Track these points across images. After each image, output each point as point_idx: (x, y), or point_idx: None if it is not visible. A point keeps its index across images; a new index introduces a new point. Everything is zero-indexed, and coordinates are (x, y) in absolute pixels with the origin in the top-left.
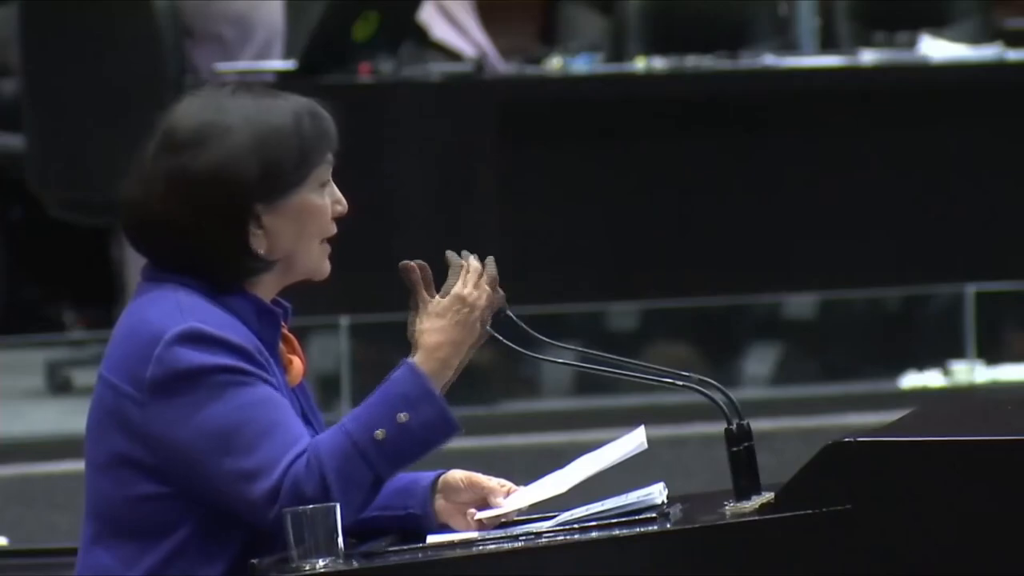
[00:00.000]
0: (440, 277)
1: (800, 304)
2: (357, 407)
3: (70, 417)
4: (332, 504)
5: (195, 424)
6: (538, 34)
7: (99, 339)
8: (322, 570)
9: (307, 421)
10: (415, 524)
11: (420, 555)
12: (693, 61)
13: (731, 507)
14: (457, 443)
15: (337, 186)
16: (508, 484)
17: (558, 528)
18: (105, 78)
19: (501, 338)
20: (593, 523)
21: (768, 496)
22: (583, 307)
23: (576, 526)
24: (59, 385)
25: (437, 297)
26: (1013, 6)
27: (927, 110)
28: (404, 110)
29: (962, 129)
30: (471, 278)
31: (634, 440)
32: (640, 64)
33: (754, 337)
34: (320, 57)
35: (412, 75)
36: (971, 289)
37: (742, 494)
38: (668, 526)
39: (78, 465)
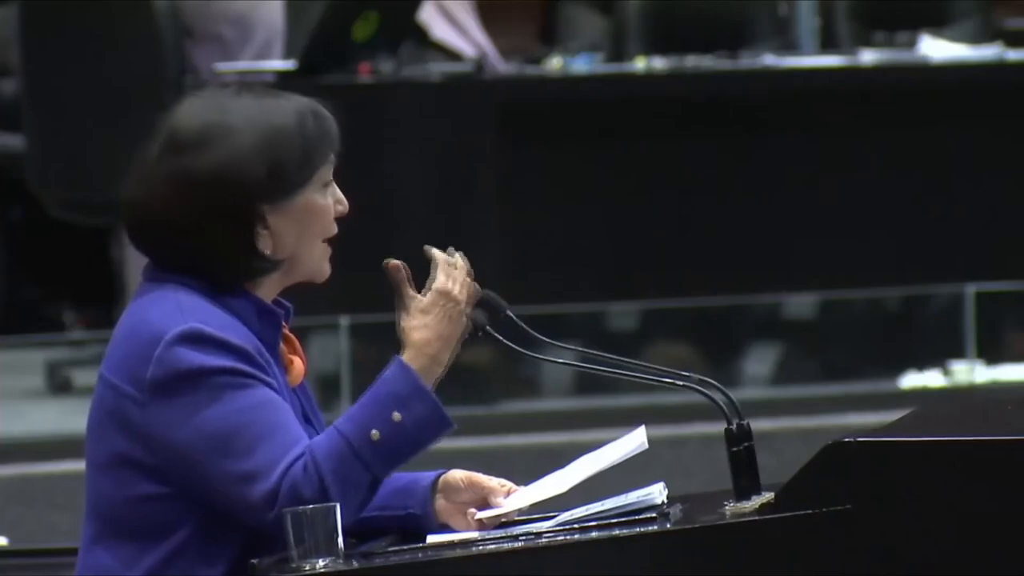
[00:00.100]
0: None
1: (800, 304)
2: (350, 407)
3: (70, 417)
4: (332, 504)
5: (195, 425)
6: (538, 34)
7: (99, 339)
8: (322, 570)
9: (308, 421)
10: (415, 524)
11: (420, 555)
12: (693, 61)
13: (731, 507)
14: (457, 443)
15: (337, 186)
16: (508, 484)
17: (558, 528)
18: (105, 78)
19: (501, 338)
20: (593, 523)
21: (768, 496)
22: (583, 307)
23: (576, 526)
24: (59, 385)
25: (420, 294)
26: (1013, 6)
27: (927, 110)
28: (404, 110)
29: (962, 129)
30: (450, 272)
31: (634, 440)
32: (640, 64)
33: (754, 337)
34: (320, 57)
35: (412, 75)
36: (971, 289)
37: (742, 494)
38: (668, 526)
39: (78, 465)
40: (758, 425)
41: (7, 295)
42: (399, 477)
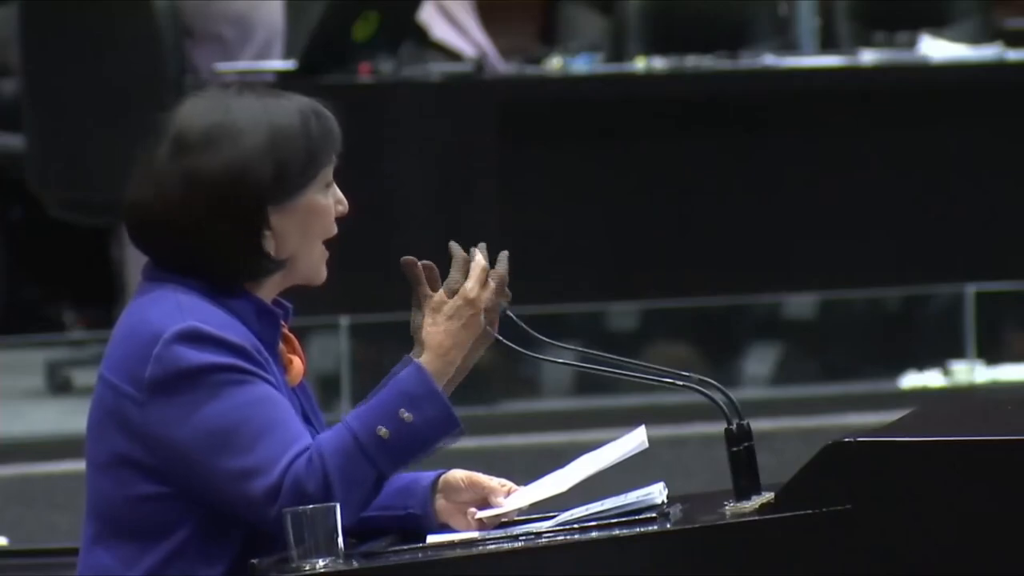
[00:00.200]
0: (444, 271)
1: (800, 304)
2: (361, 405)
3: (70, 417)
4: (332, 504)
5: (194, 423)
6: (538, 34)
7: (99, 339)
8: (322, 570)
9: (308, 421)
10: (415, 524)
11: (420, 555)
12: (693, 61)
13: (731, 507)
14: (457, 443)
15: (337, 186)
16: (508, 484)
17: (558, 528)
18: (105, 78)
19: (501, 338)
20: (593, 523)
21: (768, 496)
22: (583, 307)
23: (576, 526)
24: (59, 385)
25: (440, 293)
26: (1013, 6)
27: (927, 110)
28: (404, 110)
29: (962, 129)
30: (479, 276)
31: (634, 440)
32: (640, 64)
33: (754, 337)
34: (320, 57)
35: (412, 75)
36: (971, 289)
37: (742, 494)
38: (668, 526)
39: (78, 465)
40: (758, 425)
41: (7, 295)
42: (399, 477)
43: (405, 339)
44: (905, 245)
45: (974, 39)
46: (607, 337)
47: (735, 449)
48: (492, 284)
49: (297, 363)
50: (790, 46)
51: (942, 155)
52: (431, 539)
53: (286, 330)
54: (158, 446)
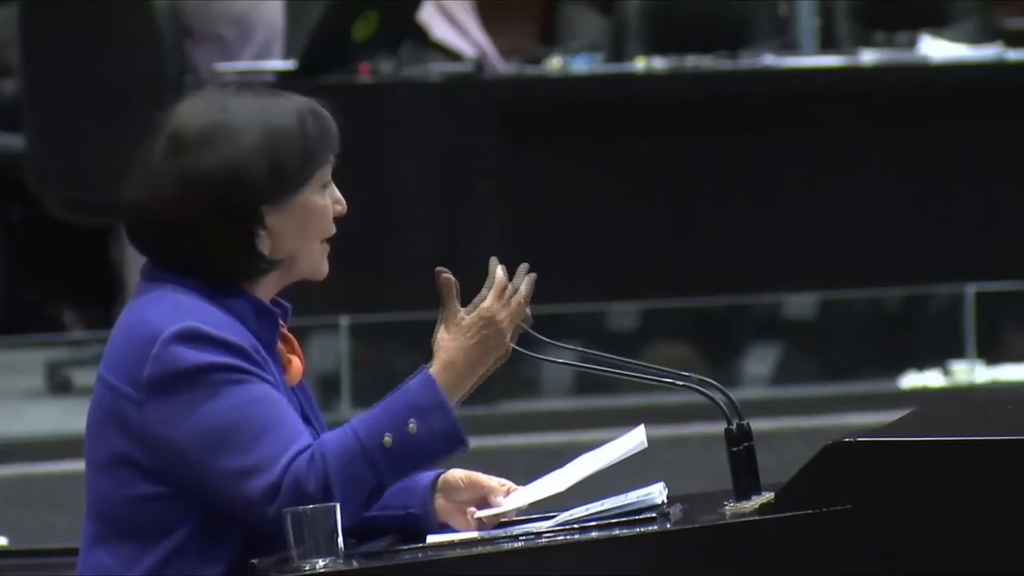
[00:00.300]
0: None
1: (800, 304)
2: (369, 410)
3: (70, 417)
4: (332, 504)
5: (193, 423)
6: (538, 34)
7: (99, 339)
8: (322, 570)
9: (307, 421)
10: (415, 524)
11: (420, 555)
12: (693, 61)
13: (731, 507)
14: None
15: (336, 186)
16: (508, 483)
17: (558, 528)
18: (105, 78)
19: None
20: (593, 523)
21: (768, 496)
22: (583, 307)
23: (576, 526)
24: (59, 385)
25: (464, 309)
26: (1013, 6)
27: (927, 110)
28: (404, 110)
29: (962, 129)
30: (497, 293)
31: (634, 439)
32: (640, 64)
33: (754, 337)
34: (320, 57)
35: (412, 75)
36: (971, 289)
37: (742, 494)
38: (668, 526)
39: (78, 465)
40: (758, 425)
41: (7, 295)
42: None
43: (405, 339)
44: (905, 245)
45: (974, 39)
46: (607, 337)
47: (735, 449)
48: (512, 304)
49: (296, 363)
50: (790, 46)
51: (942, 155)
52: (431, 539)
53: (285, 330)
54: (157, 446)
